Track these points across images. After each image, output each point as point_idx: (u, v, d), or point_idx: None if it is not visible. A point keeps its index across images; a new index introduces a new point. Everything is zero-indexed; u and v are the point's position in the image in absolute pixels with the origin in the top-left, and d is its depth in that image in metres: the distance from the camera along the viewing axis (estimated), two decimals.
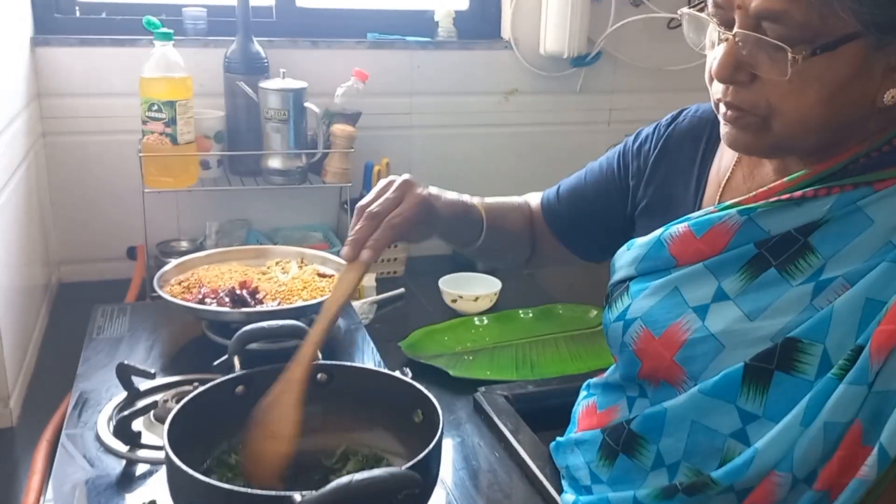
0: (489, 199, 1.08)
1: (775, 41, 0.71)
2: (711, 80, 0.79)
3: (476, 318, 1.56)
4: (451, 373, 1.33)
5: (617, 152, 1.05)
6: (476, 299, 1.61)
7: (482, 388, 1.25)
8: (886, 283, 0.72)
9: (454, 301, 1.62)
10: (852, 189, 0.76)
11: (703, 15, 0.79)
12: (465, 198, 1.04)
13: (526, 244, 1.13)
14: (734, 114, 0.78)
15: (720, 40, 0.77)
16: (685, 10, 0.82)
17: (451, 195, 1.01)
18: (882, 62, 0.72)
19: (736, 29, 0.74)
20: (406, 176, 0.92)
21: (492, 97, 1.94)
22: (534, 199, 1.14)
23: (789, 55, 0.70)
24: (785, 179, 0.81)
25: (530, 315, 1.59)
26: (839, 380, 0.72)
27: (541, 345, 1.47)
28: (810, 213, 0.77)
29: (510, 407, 1.20)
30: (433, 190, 0.96)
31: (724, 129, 0.81)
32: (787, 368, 0.75)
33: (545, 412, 1.20)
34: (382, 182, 0.92)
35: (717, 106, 0.81)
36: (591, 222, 1.06)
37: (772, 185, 0.81)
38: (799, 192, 0.78)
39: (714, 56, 0.77)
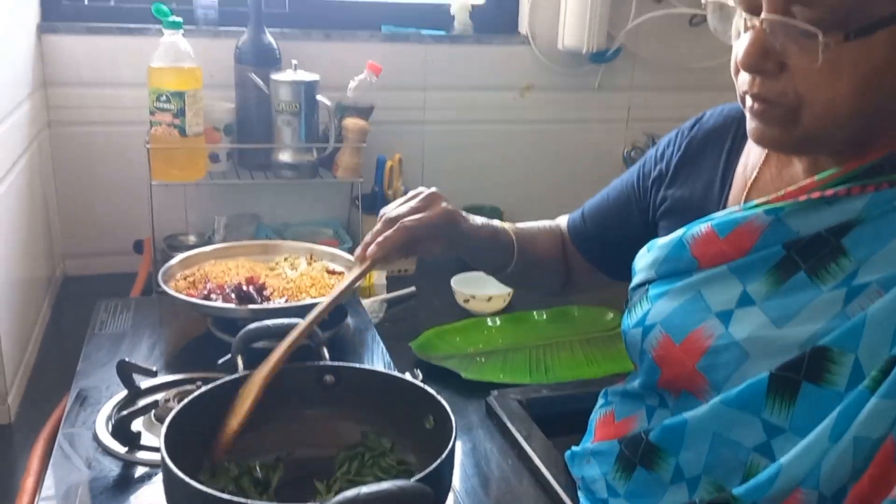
0: (519, 224, 1.08)
1: (807, 26, 0.67)
2: (738, 71, 0.75)
3: (489, 319, 1.52)
4: (463, 375, 1.30)
5: (638, 165, 1.02)
6: (489, 299, 1.57)
7: (495, 392, 1.21)
8: None
9: (466, 301, 1.58)
10: (888, 187, 0.72)
11: (728, 2, 0.75)
12: (495, 222, 1.03)
13: (560, 269, 1.10)
14: (761, 106, 0.74)
15: (747, 28, 0.72)
16: None
17: (480, 219, 1.00)
18: None
19: (764, 14, 0.70)
20: (434, 189, 0.93)
21: (507, 93, 1.90)
22: (563, 221, 1.12)
23: (821, 40, 0.66)
24: (815, 178, 0.76)
25: (544, 317, 1.55)
26: (871, 392, 0.67)
27: (555, 348, 1.43)
28: (843, 213, 0.73)
29: (524, 412, 1.16)
30: (462, 212, 0.96)
31: (750, 123, 0.76)
32: (816, 379, 0.70)
33: (560, 418, 1.16)
34: (410, 192, 0.94)
35: (742, 99, 0.77)
36: (618, 240, 1.01)
37: (802, 183, 0.77)
38: (830, 191, 0.74)
39: (740, 45, 0.73)
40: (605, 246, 1.05)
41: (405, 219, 0.89)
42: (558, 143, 1.97)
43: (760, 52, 0.71)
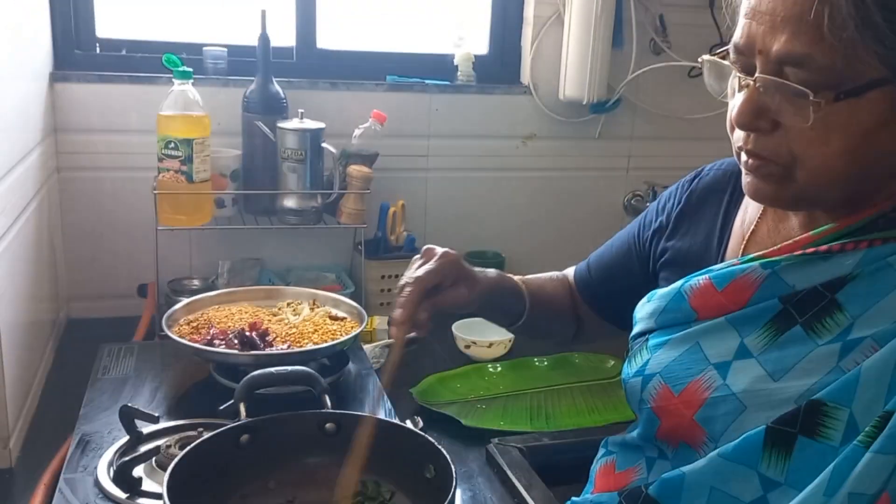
0: (528, 277, 1.09)
1: (797, 86, 0.68)
2: (733, 128, 0.77)
3: (490, 365, 1.53)
4: (464, 422, 1.30)
5: (640, 217, 1.03)
6: (490, 345, 1.58)
7: (495, 440, 1.21)
8: None
9: (468, 347, 1.59)
10: (882, 244, 0.73)
11: (724, 62, 0.77)
12: (504, 274, 1.05)
13: (571, 319, 1.11)
14: (756, 162, 0.75)
15: (741, 87, 0.74)
16: (706, 56, 0.79)
17: (490, 270, 1.02)
18: None
19: (757, 74, 0.72)
20: (426, 245, 0.95)
21: (510, 141, 1.93)
22: (571, 272, 1.13)
23: (811, 100, 0.68)
24: (811, 233, 0.77)
25: (545, 363, 1.55)
26: (865, 447, 0.67)
27: (556, 395, 1.43)
28: (837, 269, 0.74)
29: (524, 460, 1.16)
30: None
31: (745, 178, 0.78)
32: (811, 433, 0.70)
33: (560, 467, 1.16)
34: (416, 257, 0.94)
35: (738, 155, 0.78)
36: (622, 290, 1.02)
37: (797, 238, 0.78)
38: (825, 246, 0.75)
39: (735, 103, 0.75)
40: (610, 296, 1.06)
41: (415, 272, 0.90)
42: (560, 191, 1.99)
43: (754, 110, 0.72)
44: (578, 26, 1.82)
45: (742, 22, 0.73)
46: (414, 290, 0.87)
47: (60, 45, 1.67)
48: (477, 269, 0.98)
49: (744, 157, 0.77)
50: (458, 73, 1.89)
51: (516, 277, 1.06)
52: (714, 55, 0.78)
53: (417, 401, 1.36)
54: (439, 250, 0.92)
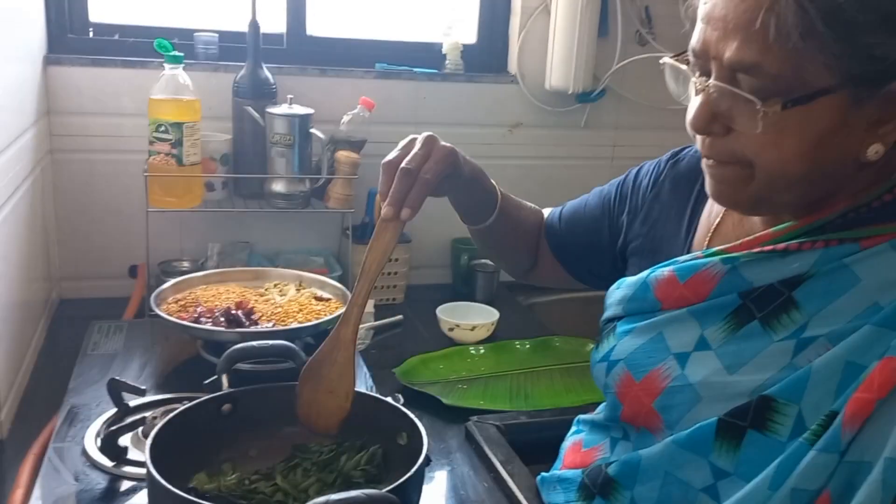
0: (506, 193, 1.10)
1: (746, 94, 0.69)
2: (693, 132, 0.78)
3: (472, 348, 1.56)
4: (444, 401, 1.33)
5: (618, 184, 1.05)
6: (473, 329, 1.61)
7: (474, 418, 1.24)
8: (868, 346, 0.69)
9: (451, 330, 1.62)
10: (838, 244, 0.74)
11: (682, 65, 0.77)
12: (486, 176, 1.05)
13: (531, 250, 1.13)
14: (713, 165, 0.77)
15: (698, 91, 0.74)
16: (667, 59, 0.80)
17: (475, 165, 1.02)
18: (863, 117, 0.70)
19: (711, 80, 0.72)
20: (427, 133, 0.94)
21: (496, 130, 1.96)
22: (546, 212, 1.16)
23: (759, 108, 0.68)
24: (771, 230, 0.79)
25: (527, 346, 1.58)
26: (811, 445, 0.69)
27: (536, 376, 1.47)
28: (795, 267, 0.75)
29: (501, 437, 1.20)
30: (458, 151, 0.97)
31: (708, 181, 0.80)
32: (761, 427, 0.72)
33: (537, 444, 1.19)
34: (405, 140, 0.93)
35: (703, 160, 0.80)
36: (584, 247, 1.06)
37: (758, 234, 0.80)
38: (783, 245, 0.76)
39: (691, 107, 0.76)
40: (574, 247, 1.09)
41: (421, 171, 0.89)
42: (546, 179, 2.02)
43: (708, 115, 0.73)
44: (565, 17, 1.85)
45: (699, 26, 0.73)
46: (423, 192, 0.88)
47: (54, 29, 1.69)
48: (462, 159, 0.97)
49: (704, 160, 0.78)
50: (447, 61, 1.91)
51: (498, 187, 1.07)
52: (674, 58, 0.79)
53: (400, 381, 1.40)
54: (441, 145, 0.92)
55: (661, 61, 0.81)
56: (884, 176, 0.75)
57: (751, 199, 0.76)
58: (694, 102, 0.75)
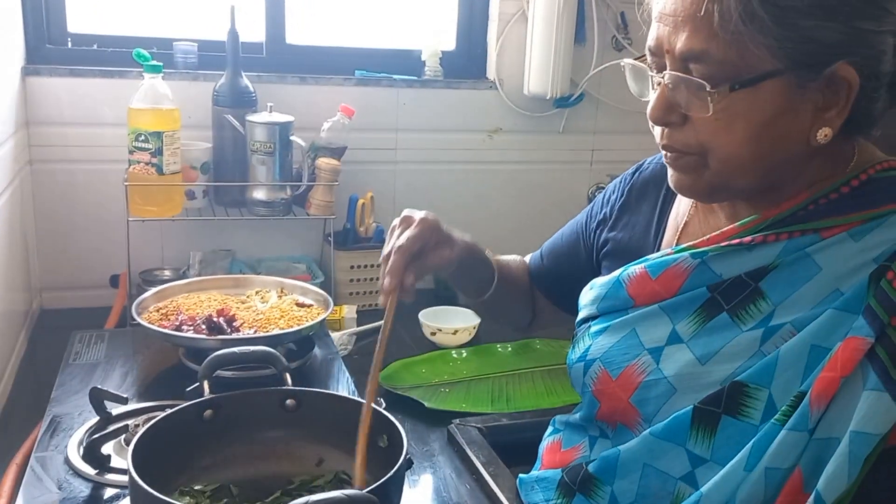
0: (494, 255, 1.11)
1: (697, 79, 0.73)
2: (653, 125, 0.82)
3: (454, 351, 1.57)
4: (427, 404, 1.34)
5: (588, 207, 1.08)
6: (455, 332, 1.62)
7: (456, 420, 1.25)
8: (831, 329, 0.73)
9: (433, 334, 1.63)
10: (800, 235, 0.78)
11: (641, 63, 0.82)
12: (476, 244, 1.05)
13: (528, 303, 1.15)
14: (672, 155, 0.81)
15: (655, 86, 0.80)
16: (627, 60, 0.85)
17: (466, 236, 1.02)
18: (809, 101, 0.74)
19: (665, 72, 0.77)
20: (404, 212, 0.95)
21: (476, 135, 1.98)
22: (528, 259, 1.17)
23: (709, 91, 0.73)
24: (736, 224, 0.82)
25: (509, 349, 1.60)
26: (781, 425, 0.72)
27: (517, 378, 1.48)
28: (760, 258, 0.79)
29: (483, 439, 1.21)
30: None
31: (669, 172, 0.84)
32: (734, 412, 0.75)
33: (519, 445, 1.20)
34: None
35: (662, 151, 0.83)
36: (571, 277, 1.07)
37: (724, 229, 0.83)
38: (749, 238, 0.80)
39: (650, 101, 0.80)
40: (560, 283, 1.10)
41: (397, 243, 0.90)
42: (526, 184, 2.04)
43: (665, 106, 0.78)
44: (542, 23, 1.88)
45: (653, 25, 0.78)
46: (399, 258, 0.88)
47: (32, 40, 1.70)
48: (455, 231, 0.98)
49: (663, 151, 0.82)
50: (426, 68, 1.93)
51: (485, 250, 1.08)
52: (636, 60, 0.84)
53: (383, 385, 1.40)
54: (418, 215, 0.93)
55: (622, 64, 0.85)
56: (839, 165, 0.80)
57: (709, 186, 0.80)
58: (653, 96, 0.80)
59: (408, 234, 0.91)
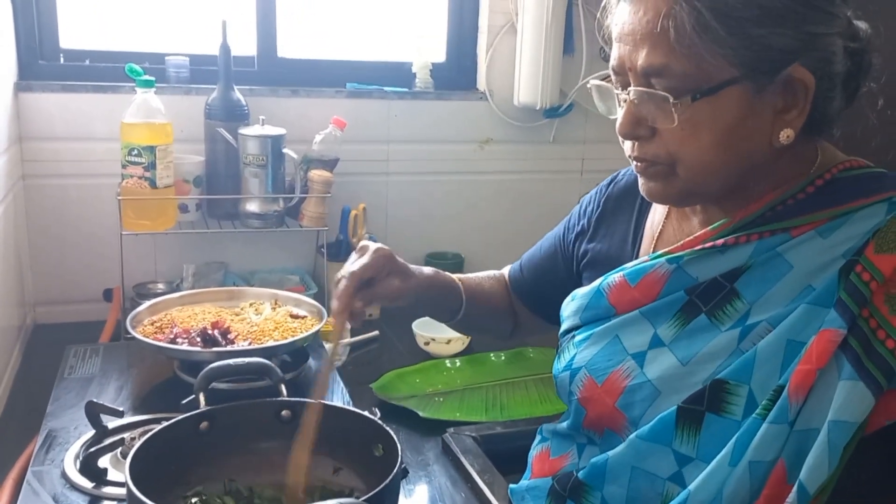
0: (466, 275, 1.15)
1: (660, 92, 0.76)
2: (622, 139, 0.85)
3: (448, 361, 1.58)
4: (421, 414, 1.35)
5: (566, 219, 1.10)
6: (448, 342, 1.63)
7: (451, 429, 1.26)
8: (805, 324, 0.75)
9: (427, 344, 1.64)
10: (770, 235, 0.80)
11: (606, 83, 0.85)
12: (440, 272, 1.10)
13: (508, 315, 1.17)
14: (642, 165, 0.83)
15: (621, 103, 0.82)
16: (593, 81, 0.87)
17: (426, 268, 1.07)
18: (768, 104, 0.77)
19: (630, 88, 0.80)
20: (362, 242, 0.99)
21: (467, 146, 1.99)
22: (507, 271, 1.20)
23: (671, 102, 0.76)
24: (708, 228, 0.85)
25: (502, 358, 1.61)
26: (763, 419, 0.74)
27: (511, 387, 1.49)
28: (734, 260, 0.81)
29: (477, 448, 1.21)
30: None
31: (640, 181, 0.86)
32: (717, 409, 0.77)
33: (513, 453, 1.20)
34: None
35: (632, 163, 0.86)
36: (550, 288, 1.09)
37: (697, 234, 0.86)
38: (721, 240, 0.83)
39: (618, 117, 0.83)
40: (539, 293, 1.13)
41: (348, 268, 0.95)
42: (517, 193, 2.06)
43: (633, 121, 0.81)
44: (531, 35, 1.90)
45: (614, 46, 0.81)
46: (349, 283, 0.92)
47: (25, 56, 1.71)
48: (413, 266, 1.03)
49: (634, 163, 0.85)
50: (416, 80, 1.95)
51: (454, 276, 1.12)
52: (601, 81, 0.86)
53: (377, 395, 1.41)
54: (373, 246, 0.97)
55: (588, 85, 0.89)
56: (804, 166, 0.83)
57: (680, 193, 0.83)
58: (620, 113, 0.82)
59: (360, 261, 0.95)
